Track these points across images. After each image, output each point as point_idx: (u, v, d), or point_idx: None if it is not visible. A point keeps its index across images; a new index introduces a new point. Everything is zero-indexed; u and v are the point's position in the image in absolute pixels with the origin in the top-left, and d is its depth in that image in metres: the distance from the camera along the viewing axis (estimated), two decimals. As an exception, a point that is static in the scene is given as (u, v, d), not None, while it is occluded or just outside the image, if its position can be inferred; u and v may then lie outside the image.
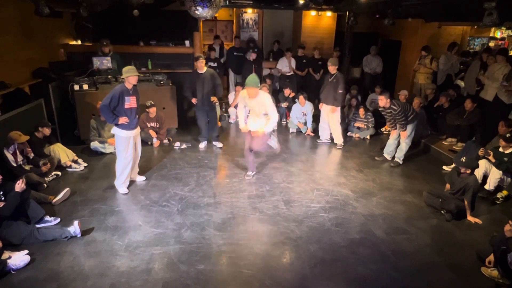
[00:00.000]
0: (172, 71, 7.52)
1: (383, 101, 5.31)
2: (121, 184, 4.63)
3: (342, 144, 6.45)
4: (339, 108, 6.27)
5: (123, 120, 4.34)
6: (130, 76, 4.30)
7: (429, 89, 7.43)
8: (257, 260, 3.39)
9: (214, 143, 6.32)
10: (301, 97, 7.08)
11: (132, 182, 4.82)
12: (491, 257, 3.30)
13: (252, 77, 4.51)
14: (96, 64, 6.44)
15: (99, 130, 5.79)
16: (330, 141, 6.64)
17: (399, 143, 5.73)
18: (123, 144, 4.48)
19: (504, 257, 3.11)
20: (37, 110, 5.46)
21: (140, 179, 4.96)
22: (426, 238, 3.84)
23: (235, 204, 4.40)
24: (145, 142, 6.23)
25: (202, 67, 5.66)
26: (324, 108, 6.35)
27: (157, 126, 6.28)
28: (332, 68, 6.10)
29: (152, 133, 6.21)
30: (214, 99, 5.97)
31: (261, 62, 8.44)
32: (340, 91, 6.06)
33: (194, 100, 5.96)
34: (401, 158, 5.70)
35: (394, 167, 5.65)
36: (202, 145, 6.24)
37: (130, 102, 4.40)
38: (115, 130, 4.45)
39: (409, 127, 5.51)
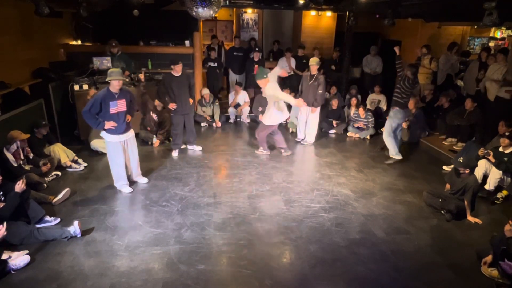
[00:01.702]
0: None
1: (409, 73, 5.35)
2: (122, 186, 4.63)
3: (311, 142, 6.55)
4: (318, 108, 6.32)
5: (109, 124, 4.20)
6: (111, 80, 4.13)
7: (427, 90, 7.44)
8: (257, 260, 3.39)
9: (191, 147, 6.03)
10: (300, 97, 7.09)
11: (133, 182, 4.82)
12: (488, 258, 3.31)
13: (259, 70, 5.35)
14: (96, 64, 6.45)
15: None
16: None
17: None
18: (112, 149, 4.40)
19: (504, 258, 3.11)
20: (37, 110, 5.47)
21: (143, 181, 4.87)
22: (426, 238, 3.84)
23: (235, 204, 4.40)
24: (145, 142, 6.24)
25: (180, 70, 5.42)
26: (304, 109, 6.34)
27: (157, 121, 6.27)
28: (314, 68, 6.06)
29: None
30: (191, 101, 5.67)
31: (263, 61, 8.45)
32: (320, 91, 6.08)
33: (173, 105, 5.50)
34: (394, 153, 5.69)
35: (391, 164, 5.68)
36: (176, 153, 5.82)
37: (117, 106, 4.23)
38: (103, 134, 4.34)
39: (391, 122, 5.60)
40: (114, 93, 4.21)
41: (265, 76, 5.28)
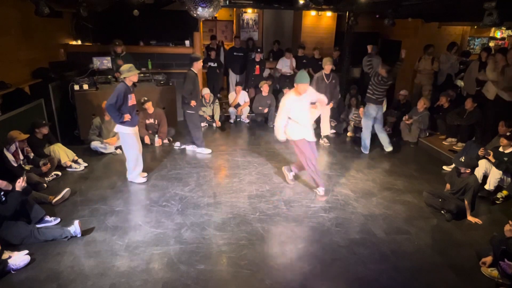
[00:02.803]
0: (172, 71, 7.52)
1: (382, 71, 5.73)
2: (136, 176, 4.75)
3: (327, 141, 6.61)
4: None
5: (127, 117, 4.42)
6: (132, 75, 4.38)
7: (426, 91, 7.44)
8: (257, 260, 3.39)
9: (190, 147, 6.05)
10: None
11: (133, 182, 4.83)
12: (487, 259, 3.31)
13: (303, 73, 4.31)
14: (96, 64, 6.45)
15: (101, 129, 5.78)
16: None
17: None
18: (131, 140, 4.58)
19: (504, 258, 3.11)
20: (37, 110, 5.47)
21: (142, 175, 4.96)
22: (426, 238, 3.84)
23: (235, 204, 4.40)
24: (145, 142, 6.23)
25: (200, 67, 5.54)
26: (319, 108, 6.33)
27: (156, 123, 6.27)
28: (329, 68, 6.07)
29: (147, 139, 6.10)
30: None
31: (265, 62, 8.46)
32: (338, 89, 6.31)
33: (194, 103, 5.57)
34: (363, 147, 6.20)
35: (360, 152, 6.18)
36: (207, 150, 5.93)
37: (132, 99, 4.49)
38: (120, 128, 4.49)
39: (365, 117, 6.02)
40: (130, 87, 4.46)
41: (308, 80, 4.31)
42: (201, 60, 5.51)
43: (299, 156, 4.57)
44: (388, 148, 6.16)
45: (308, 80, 4.29)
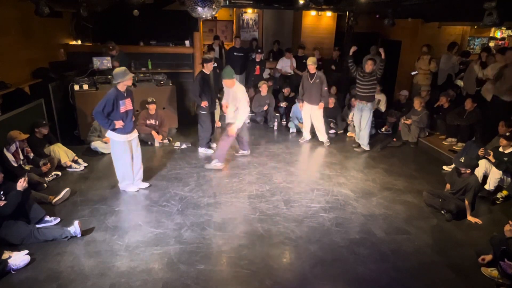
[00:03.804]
0: (172, 71, 7.52)
1: (370, 67, 5.88)
2: (127, 185, 4.61)
3: (328, 141, 6.55)
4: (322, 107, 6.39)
5: (118, 124, 4.22)
6: (127, 79, 4.18)
7: (425, 91, 7.45)
8: (257, 260, 3.39)
9: (204, 150, 6.01)
10: (300, 97, 7.08)
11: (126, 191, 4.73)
12: (488, 256, 3.31)
13: (229, 69, 5.16)
14: (96, 64, 6.45)
15: (101, 131, 5.78)
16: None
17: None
18: (119, 149, 4.38)
19: (504, 258, 3.11)
20: (37, 110, 5.47)
21: (143, 185, 4.74)
22: (426, 238, 3.84)
23: (235, 204, 4.40)
24: (145, 142, 6.24)
25: (211, 68, 5.59)
26: (307, 108, 6.43)
27: (157, 124, 6.28)
28: (313, 68, 6.14)
29: (154, 134, 6.19)
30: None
31: (265, 62, 8.46)
32: (325, 88, 6.26)
33: (205, 103, 5.61)
34: (365, 144, 6.26)
35: (360, 152, 6.24)
36: (209, 150, 5.95)
37: (126, 105, 4.28)
38: (110, 134, 4.33)
39: (369, 114, 6.08)
40: (123, 92, 4.27)
41: (234, 76, 5.27)
42: (212, 62, 5.61)
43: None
44: (365, 146, 6.31)
45: (232, 76, 5.16)
